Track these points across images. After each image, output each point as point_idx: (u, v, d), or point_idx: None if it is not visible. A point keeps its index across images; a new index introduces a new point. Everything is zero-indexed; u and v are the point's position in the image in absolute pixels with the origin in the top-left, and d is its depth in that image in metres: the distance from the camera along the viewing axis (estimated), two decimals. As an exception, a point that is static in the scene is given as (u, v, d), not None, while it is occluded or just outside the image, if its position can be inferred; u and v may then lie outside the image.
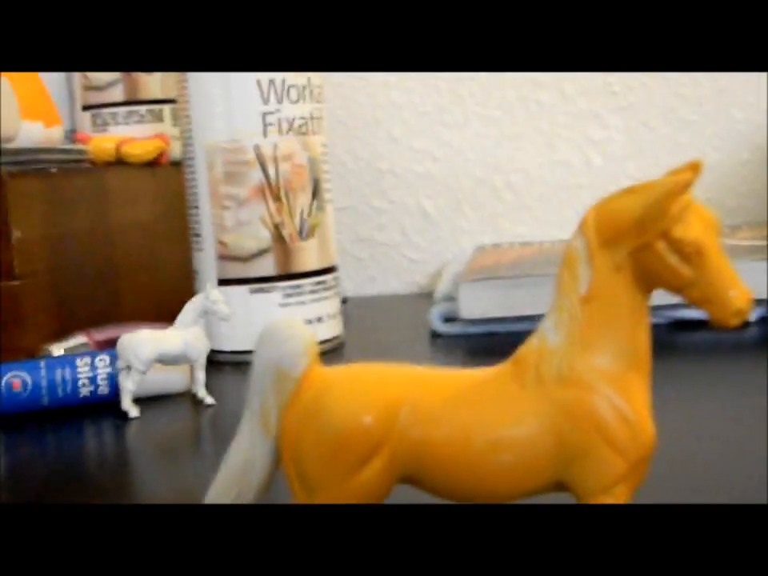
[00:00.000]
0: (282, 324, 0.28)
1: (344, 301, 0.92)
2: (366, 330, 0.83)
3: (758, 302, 0.72)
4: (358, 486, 0.26)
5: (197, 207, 0.74)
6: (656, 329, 0.73)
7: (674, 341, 0.69)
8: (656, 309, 0.73)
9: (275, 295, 0.73)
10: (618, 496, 0.26)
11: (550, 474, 0.26)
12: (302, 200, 0.73)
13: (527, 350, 0.27)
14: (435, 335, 0.76)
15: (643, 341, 0.27)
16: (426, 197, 1.00)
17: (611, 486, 0.26)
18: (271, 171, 0.72)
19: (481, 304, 0.74)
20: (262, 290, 0.72)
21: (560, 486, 0.27)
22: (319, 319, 0.74)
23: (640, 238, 0.26)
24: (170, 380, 0.65)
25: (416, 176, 1.00)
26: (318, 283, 0.74)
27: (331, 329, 0.76)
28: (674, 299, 0.72)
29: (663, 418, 0.52)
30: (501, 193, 0.99)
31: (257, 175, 0.72)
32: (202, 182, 0.73)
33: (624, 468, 0.26)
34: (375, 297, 1.00)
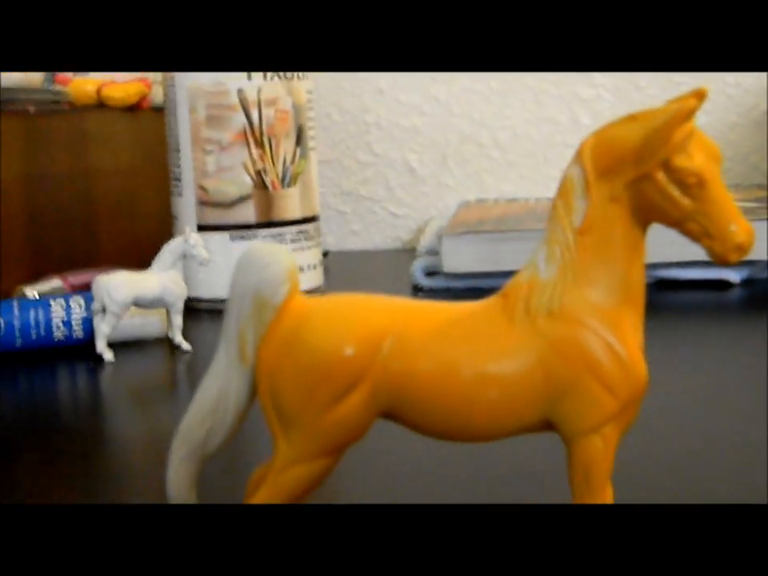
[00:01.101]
0: (263, 249, 0.26)
1: (325, 254, 0.91)
2: (347, 283, 0.82)
3: (744, 264, 0.71)
4: (336, 420, 0.25)
5: (177, 151, 0.72)
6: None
7: (657, 300, 0.69)
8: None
9: (256, 243, 0.71)
10: (607, 436, 0.25)
11: (538, 411, 0.25)
12: (286, 147, 0.72)
13: (517, 282, 0.26)
14: (417, 289, 0.75)
15: (638, 276, 0.26)
16: (412, 151, 0.98)
17: (600, 425, 0.25)
18: (254, 116, 0.70)
19: (463, 258, 0.73)
20: (242, 237, 0.71)
21: (547, 425, 0.26)
22: (300, 269, 0.73)
23: (639, 168, 0.24)
24: (147, 325, 0.64)
25: (402, 130, 0.98)
26: (300, 232, 0.73)
27: (311, 279, 0.74)
28: (658, 257, 0.71)
29: (651, 375, 0.51)
30: (487, 149, 0.97)
31: (240, 120, 0.70)
32: (184, 126, 0.71)
33: (614, 407, 0.25)
34: (357, 251, 0.99)
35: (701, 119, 0.93)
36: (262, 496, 0.26)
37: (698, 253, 0.74)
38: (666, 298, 0.69)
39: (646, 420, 0.45)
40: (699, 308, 0.66)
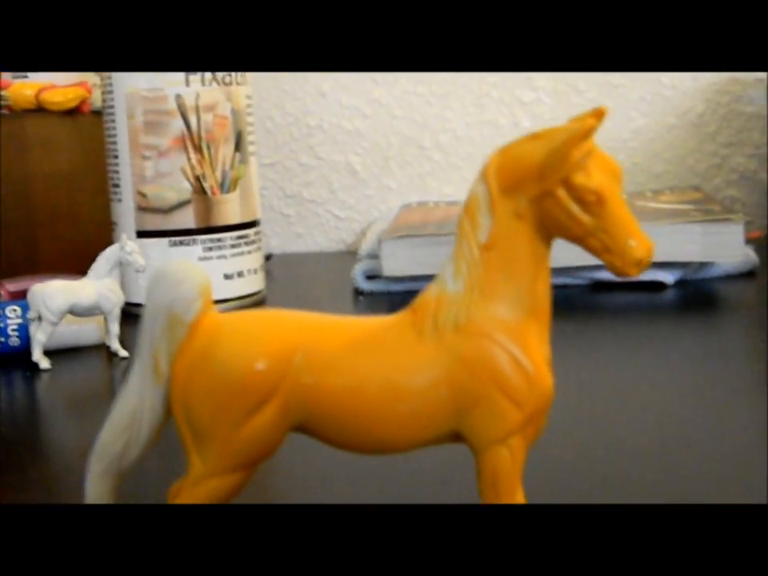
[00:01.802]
0: (176, 266, 0.27)
1: (268, 257, 0.91)
2: (290, 286, 0.82)
3: (676, 265, 0.73)
4: (249, 435, 0.26)
5: (116, 157, 0.72)
6: (575, 290, 0.73)
7: (592, 302, 0.70)
8: (575, 270, 0.73)
9: (195, 248, 0.71)
10: (514, 447, 0.26)
11: (447, 423, 0.26)
12: (225, 152, 0.72)
13: (426, 297, 0.27)
14: (358, 292, 0.75)
15: (543, 290, 0.26)
16: (355, 154, 0.99)
17: (506, 436, 0.26)
18: (193, 122, 0.70)
19: (403, 261, 0.73)
20: (181, 243, 0.71)
21: (456, 437, 0.26)
22: (240, 273, 0.73)
23: (541, 185, 0.25)
24: (84, 332, 0.64)
25: (344, 133, 0.99)
26: (240, 237, 0.73)
27: (253, 284, 0.75)
28: (594, 260, 0.72)
29: (581, 377, 0.52)
30: (429, 152, 0.98)
31: (178, 125, 0.70)
32: (122, 131, 0.71)
33: (520, 419, 0.25)
34: (301, 254, 0.99)
35: (639, 121, 0.95)
36: (177, 510, 0.26)
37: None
38: (601, 299, 0.70)
39: (584, 417, 0.46)
40: (634, 309, 0.67)
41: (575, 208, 0.25)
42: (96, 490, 0.27)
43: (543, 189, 0.25)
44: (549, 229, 0.26)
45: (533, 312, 0.26)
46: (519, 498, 0.28)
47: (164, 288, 0.26)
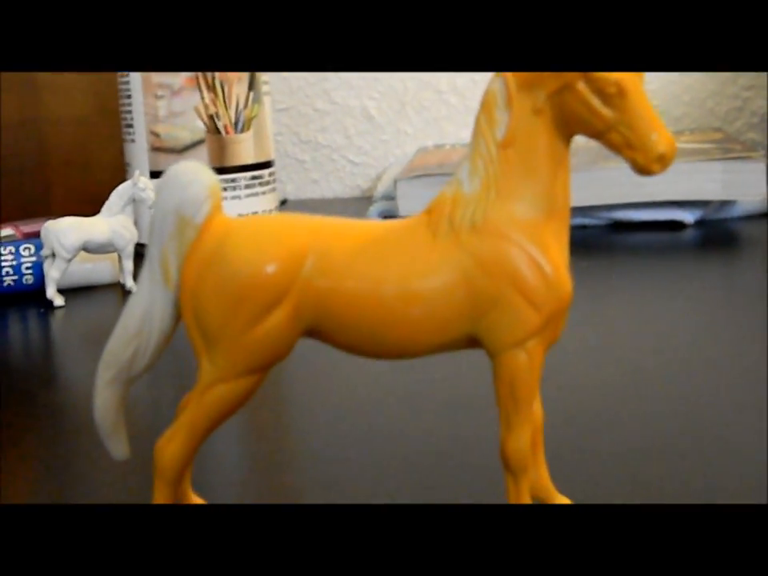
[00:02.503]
0: (184, 168, 0.26)
1: (283, 202, 0.90)
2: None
3: (696, 204, 0.72)
4: (259, 338, 0.25)
5: (129, 97, 0.71)
6: (594, 230, 0.72)
7: (611, 242, 0.69)
8: (594, 209, 0.72)
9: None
10: (531, 351, 0.25)
11: (463, 326, 0.25)
12: (238, 91, 0.71)
13: (441, 198, 0.26)
14: (373, 234, 0.74)
15: (562, 190, 0.25)
16: (370, 99, 0.98)
17: (524, 339, 0.25)
18: (206, 60, 0.69)
19: (418, 201, 0.72)
20: (195, 183, 0.70)
21: (473, 342, 0.26)
22: (255, 214, 0.73)
23: (560, 79, 0.24)
24: (98, 270, 0.64)
25: (360, 78, 0.97)
26: (254, 177, 0.72)
27: (267, 225, 0.74)
28: (612, 199, 0.71)
29: (600, 316, 0.51)
30: (445, 96, 0.97)
31: (191, 63, 0.69)
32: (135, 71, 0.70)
33: (538, 321, 0.25)
34: (316, 199, 0.98)
35: (659, 63, 0.93)
36: (187, 416, 0.26)
37: (652, 194, 0.75)
38: (620, 239, 0.69)
39: (601, 358, 0.45)
40: (654, 249, 0.66)
41: (596, 101, 0.24)
42: (104, 399, 0.27)
43: (563, 82, 0.24)
44: (568, 125, 0.25)
45: (551, 212, 0.25)
46: (536, 408, 0.27)
47: (172, 190, 0.26)
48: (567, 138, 0.25)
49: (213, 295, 0.25)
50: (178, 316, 0.27)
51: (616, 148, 0.25)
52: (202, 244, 0.26)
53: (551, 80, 0.24)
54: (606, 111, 0.24)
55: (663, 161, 0.24)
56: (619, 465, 0.33)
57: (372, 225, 0.26)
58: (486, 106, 0.25)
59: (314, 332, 0.26)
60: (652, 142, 0.24)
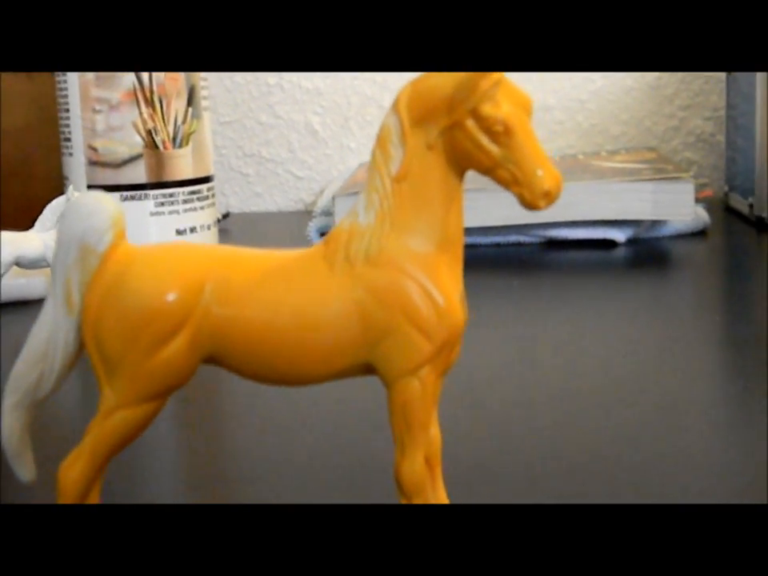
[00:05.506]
0: (88, 198, 0.27)
1: (226, 215, 0.90)
2: (246, 244, 0.82)
3: (627, 223, 0.73)
4: (158, 365, 0.26)
5: (67, 111, 0.71)
6: (527, 247, 0.73)
7: (544, 259, 0.70)
8: (528, 227, 0.73)
9: (147, 203, 0.71)
10: (424, 378, 0.26)
11: (358, 355, 0.26)
12: (177, 106, 0.71)
13: (339, 230, 0.27)
14: (311, 249, 0.75)
15: (455, 223, 0.26)
16: (314, 113, 0.98)
17: (417, 367, 0.26)
18: (144, 75, 0.70)
19: (355, 218, 0.73)
20: (133, 198, 0.71)
21: (369, 370, 0.27)
22: (192, 229, 0.73)
23: (451, 116, 0.25)
24: (31, 285, 0.64)
25: (304, 92, 0.98)
26: (192, 192, 0.73)
27: (205, 239, 0.74)
28: (546, 217, 0.72)
29: (533, 334, 0.52)
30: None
31: (129, 79, 0.70)
32: (73, 85, 0.70)
33: (430, 350, 0.26)
34: (259, 213, 0.99)
35: (598, 82, 0.95)
36: (89, 441, 0.26)
37: (585, 213, 0.76)
38: (553, 257, 0.71)
39: (534, 373, 0.46)
40: (586, 267, 0.67)
41: (484, 139, 0.25)
42: (9, 422, 0.27)
43: (453, 120, 0.25)
44: (459, 160, 0.26)
45: (444, 244, 0.26)
46: (434, 434, 0.28)
47: (76, 219, 0.26)
48: (460, 173, 0.26)
49: (114, 323, 0.26)
50: (80, 342, 0.27)
51: (504, 184, 0.25)
52: (104, 272, 0.26)
53: (443, 117, 0.25)
54: (493, 148, 0.25)
55: (549, 197, 0.25)
56: (545, 482, 0.34)
57: (271, 254, 0.27)
58: (381, 141, 0.26)
59: (214, 359, 0.27)
60: (538, 179, 0.25)
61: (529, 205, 0.25)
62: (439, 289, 0.26)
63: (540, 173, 0.25)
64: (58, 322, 0.27)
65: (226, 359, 0.26)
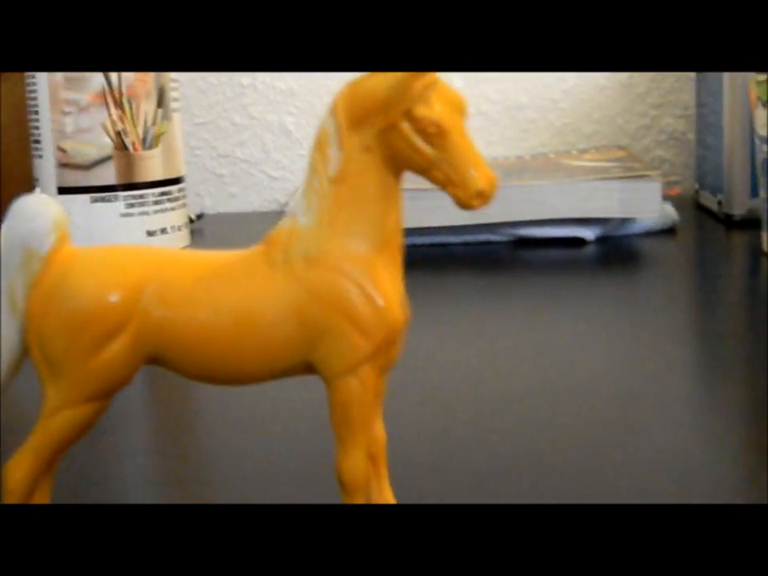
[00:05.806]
0: (31, 201, 0.27)
1: (200, 216, 0.91)
2: (219, 245, 0.82)
3: (596, 221, 0.73)
4: (100, 366, 0.26)
5: (36, 112, 0.72)
6: (497, 246, 0.74)
7: (514, 258, 0.70)
8: (497, 226, 0.74)
9: (117, 205, 0.71)
10: (363, 377, 0.26)
11: (298, 354, 0.26)
12: (146, 108, 0.72)
13: (279, 230, 0.27)
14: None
15: (393, 224, 0.27)
16: (288, 114, 0.99)
17: (355, 366, 0.26)
18: (113, 77, 0.70)
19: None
20: (103, 200, 0.71)
21: (309, 368, 0.27)
22: (163, 230, 0.73)
23: (386, 118, 0.25)
24: None
25: (278, 92, 0.98)
26: (163, 194, 0.73)
27: (177, 240, 0.75)
28: (516, 216, 0.73)
29: (502, 332, 0.53)
30: (362, 111, 0.98)
31: (98, 81, 0.70)
32: (42, 86, 0.71)
33: (368, 349, 0.26)
34: (234, 213, 0.99)
35: (570, 81, 0.95)
36: (34, 440, 0.27)
37: (554, 211, 0.77)
38: (523, 255, 0.71)
39: (504, 371, 0.47)
40: (555, 265, 0.68)
41: (418, 140, 0.25)
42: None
43: (388, 121, 0.25)
44: (396, 162, 0.26)
45: (383, 245, 0.27)
46: (378, 432, 0.29)
47: (18, 222, 0.27)
48: (397, 175, 0.26)
49: (55, 324, 0.26)
50: (25, 345, 0.27)
51: (440, 184, 0.26)
52: (46, 275, 0.27)
53: (378, 119, 0.26)
54: (427, 150, 0.26)
55: (482, 196, 0.25)
56: (510, 483, 0.34)
57: (212, 255, 0.27)
58: (319, 143, 0.26)
59: (156, 360, 0.27)
60: (471, 179, 0.25)
61: (463, 205, 0.26)
62: (377, 289, 0.26)
63: (473, 173, 0.25)
64: (2, 325, 0.27)
65: (168, 360, 0.27)
